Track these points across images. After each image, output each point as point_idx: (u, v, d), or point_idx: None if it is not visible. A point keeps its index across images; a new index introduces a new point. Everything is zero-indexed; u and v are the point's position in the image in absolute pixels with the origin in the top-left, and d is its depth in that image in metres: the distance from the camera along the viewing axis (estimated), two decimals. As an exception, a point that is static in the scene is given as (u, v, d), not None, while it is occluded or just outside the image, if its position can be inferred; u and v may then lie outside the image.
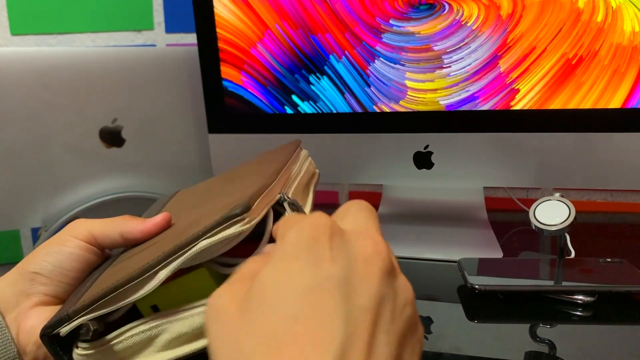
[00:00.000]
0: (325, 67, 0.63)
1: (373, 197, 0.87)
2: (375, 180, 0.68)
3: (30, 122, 0.67)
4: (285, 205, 0.35)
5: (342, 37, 0.61)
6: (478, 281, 0.48)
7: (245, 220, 0.30)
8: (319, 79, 0.64)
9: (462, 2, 0.58)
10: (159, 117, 0.72)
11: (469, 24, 0.58)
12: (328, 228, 0.23)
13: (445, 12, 0.58)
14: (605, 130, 0.58)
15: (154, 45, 0.87)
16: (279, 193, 0.35)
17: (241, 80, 0.66)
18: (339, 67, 0.63)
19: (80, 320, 0.29)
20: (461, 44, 0.59)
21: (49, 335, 0.29)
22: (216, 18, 0.64)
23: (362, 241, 0.23)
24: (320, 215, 0.24)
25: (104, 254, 0.37)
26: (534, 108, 0.59)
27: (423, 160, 0.65)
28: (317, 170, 0.49)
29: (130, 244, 0.36)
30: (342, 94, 0.64)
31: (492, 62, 0.59)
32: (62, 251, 0.34)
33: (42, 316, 0.32)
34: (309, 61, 0.63)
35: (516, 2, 0.56)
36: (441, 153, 0.64)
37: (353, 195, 0.92)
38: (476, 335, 0.45)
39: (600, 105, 0.57)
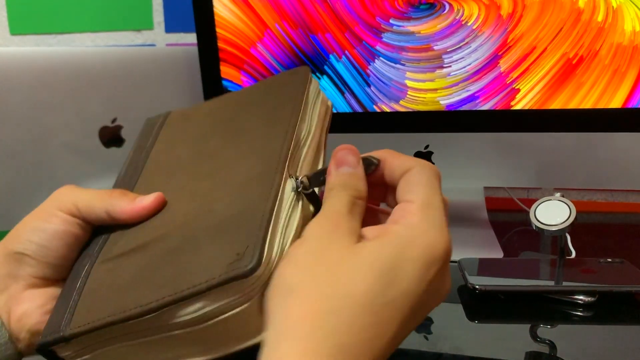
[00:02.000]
0: (325, 67, 0.63)
1: (373, 197, 0.86)
2: (375, 180, 0.68)
3: (30, 122, 0.67)
4: (302, 194, 0.30)
5: (342, 36, 0.61)
6: (478, 281, 0.48)
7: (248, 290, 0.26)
8: (319, 78, 0.64)
9: (462, 2, 0.58)
10: (158, 117, 0.72)
11: (469, 24, 0.58)
12: (446, 256, 0.26)
13: (445, 11, 0.58)
14: (606, 130, 0.58)
15: (154, 45, 0.87)
16: (291, 177, 0.31)
17: (241, 80, 0.66)
18: (339, 66, 0.63)
19: (76, 342, 0.28)
20: (461, 44, 0.59)
21: (46, 350, 0.28)
22: (216, 18, 0.63)
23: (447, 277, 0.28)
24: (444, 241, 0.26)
25: (91, 227, 0.34)
26: (534, 108, 0.59)
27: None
28: (329, 103, 0.40)
29: (116, 223, 0.33)
30: (342, 93, 0.64)
31: (492, 61, 0.59)
32: (46, 229, 0.31)
33: (35, 301, 0.31)
34: (309, 61, 0.63)
35: (516, 1, 0.56)
36: (441, 153, 0.64)
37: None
38: (476, 336, 0.45)
39: (600, 105, 0.57)
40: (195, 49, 0.66)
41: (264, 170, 0.31)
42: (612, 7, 0.54)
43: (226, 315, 0.26)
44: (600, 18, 0.55)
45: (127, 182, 0.38)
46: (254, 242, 0.26)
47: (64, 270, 0.32)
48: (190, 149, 0.39)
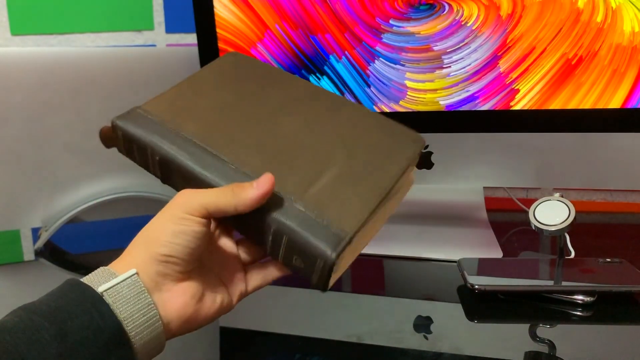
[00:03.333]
0: (325, 67, 0.63)
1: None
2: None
3: (31, 122, 0.67)
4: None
5: (342, 37, 0.61)
6: (478, 281, 0.48)
7: None
8: (319, 79, 0.64)
9: (462, 2, 0.58)
10: (159, 117, 0.72)
11: (468, 24, 0.58)
12: None
13: (445, 12, 0.58)
14: (605, 130, 0.58)
15: (154, 46, 0.87)
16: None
17: (241, 80, 0.66)
18: (339, 67, 0.63)
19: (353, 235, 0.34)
20: (461, 44, 0.59)
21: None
22: (216, 18, 0.64)
23: None
24: None
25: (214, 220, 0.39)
26: (533, 108, 0.59)
27: (423, 160, 0.65)
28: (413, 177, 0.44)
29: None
30: (342, 94, 0.64)
31: (492, 62, 0.59)
32: (187, 232, 0.35)
33: (187, 293, 0.35)
34: (309, 61, 0.63)
35: (516, 2, 0.56)
36: (441, 153, 0.64)
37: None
38: (476, 335, 0.45)
39: (600, 106, 0.57)
40: (195, 49, 0.66)
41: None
42: (612, 7, 0.55)
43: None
44: (599, 18, 0.55)
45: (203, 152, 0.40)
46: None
47: (201, 262, 0.37)
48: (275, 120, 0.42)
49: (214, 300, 0.37)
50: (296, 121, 0.41)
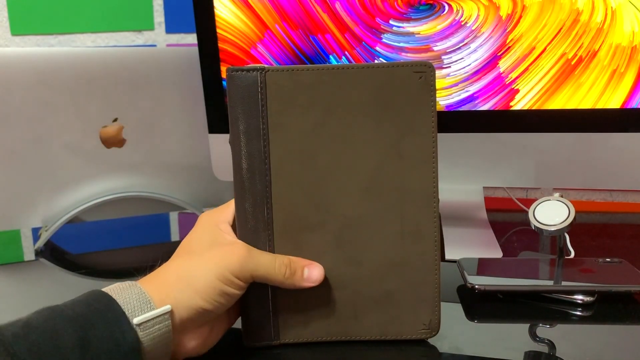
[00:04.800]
0: (325, 68, 0.63)
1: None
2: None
3: (31, 122, 0.67)
4: None
5: (342, 37, 0.61)
6: (478, 281, 0.48)
7: None
8: (319, 79, 0.64)
9: (461, 2, 0.58)
10: (159, 117, 0.73)
11: (468, 24, 0.58)
12: None
13: (445, 12, 0.58)
14: (605, 131, 0.58)
15: (154, 46, 0.87)
16: None
17: (241, 80, 0.66)
18: (339, 67, 0.63)
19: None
20: (461, 45, 0.59)
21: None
22: (216, 18, 0.64)
23: None
24: None
25: None
26: (533, 108, 0.59)
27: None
28: None
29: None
30: (342, 94, 0.64)
31: (491, 62, 0.59)
32: (231, 294, 0.37)
33: (201, 336, 0.37)
34: (309, 61, 0.63)
35: (516, 2, 0.57)
36: (441, 153, 0.64)
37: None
38: (476, 335, 0.45)
39: (599, 106, 0.58)
40: (195, 49, 0.66)
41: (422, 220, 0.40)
42: (611, 7, 0.55)
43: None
44: (599, 19, 0.55)
45: (257, 184, 0.39)
46: (435, 316, 0.41)
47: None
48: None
49: (219, 332, 0.39)
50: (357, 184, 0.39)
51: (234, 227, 0.41)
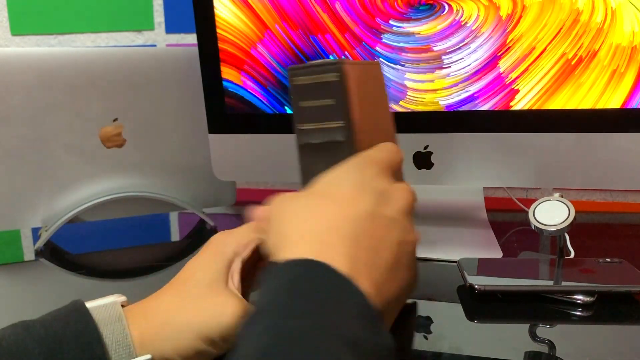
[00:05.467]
0: (325, 68, 0.63)
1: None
2: (375, 180, 0.68)
3: (31, 122, 0.67)
4: None
5: (342, 37, 0.61)
6: (477, 281, 0.48)
7: None
8: (319, 79, 0.64)
9: (461, 2, 0.58)
10: (159, 117, 0.73)
11: (468, 24, 0.58)
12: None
13: (445, 12, 0.58)
14: (605, 131, 0.58)
15: (154, 46, 0.87)
16: None
17: (241, 80, 0.66)
18: (339, 67, 0.63)
19: None
20: (461, 45, 0.59)
21: None
22: (216, 18, 0.64)
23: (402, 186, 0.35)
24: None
25: None
26: (533, 108, 0.59)
27: (423, 160, 0.65)
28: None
29: None
30: (342, 94, 0.64)
31: (491, 62, 0.59)
32: (210, 355, 0.34)
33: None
34: (309, 61, 0.63)
35: (516, 2, 0.57)
36: (441, 153, 0.64)
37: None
38: (476, 335, 0.45)
39: (599, 106, 0.58)
40: (195, 49, 0.66)
41: None
42: (611, 7, 0.55)
43: None
44: (599, 19, 0.55)
45: None
46: None
47: None
48: None
49: None
50: None
51: (247, 262, 0.38)
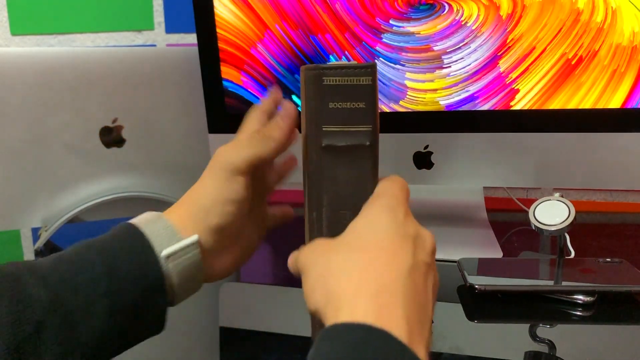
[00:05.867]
0: (325, 67, 0.63)
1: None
2: (375, 180, 0.68)
3: (31, 122, 0.67)
4: None
5: (342, 37, 0.61)
6: (478, 281, 0.48)
7: None
8: (319, 79, 0.64)
9: (461, 2, 0.58)
10: (159, 117, 0.73)
11: (468, 24, 0.58)
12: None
13: (445, 12, 0.58)
14: (605, 130, 0.58)
15: (154, 46, 0.87)
16: None
17: (241, 80, 0.66)
18: (339, 67, 0.63)
19: None
20: (461, 44, 0.59)
21: None
22: (216, 18, 0.64)
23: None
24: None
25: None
26: (533, 108, 0.59)
27: (423, 160, 0.65)
28: None
29: None
30: (342, 94, 0.64)
31: (492, 62, 0.59)
32: (236, 198, 0.38)
33: (232, 256, 0.40)
34: (309, 62, 0.63)
35: (516, 2, 0.56)
36: (441, 153, 0.64)
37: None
38: (476, 335, 0.45)
39: (600, 106, 0.58)
40: (195, 49, 0.66)
41: None
42: (612, 7, 0.55)
43: None
44: (599, 18, 0.55)
45: None
46: None
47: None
48: None
49: (249, 251, 0.41)
50: None
51: (254, 174, 0.40)
